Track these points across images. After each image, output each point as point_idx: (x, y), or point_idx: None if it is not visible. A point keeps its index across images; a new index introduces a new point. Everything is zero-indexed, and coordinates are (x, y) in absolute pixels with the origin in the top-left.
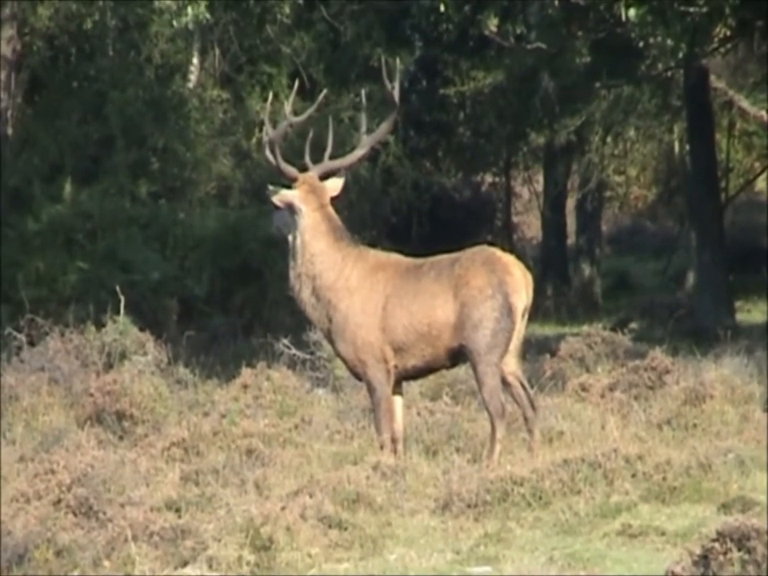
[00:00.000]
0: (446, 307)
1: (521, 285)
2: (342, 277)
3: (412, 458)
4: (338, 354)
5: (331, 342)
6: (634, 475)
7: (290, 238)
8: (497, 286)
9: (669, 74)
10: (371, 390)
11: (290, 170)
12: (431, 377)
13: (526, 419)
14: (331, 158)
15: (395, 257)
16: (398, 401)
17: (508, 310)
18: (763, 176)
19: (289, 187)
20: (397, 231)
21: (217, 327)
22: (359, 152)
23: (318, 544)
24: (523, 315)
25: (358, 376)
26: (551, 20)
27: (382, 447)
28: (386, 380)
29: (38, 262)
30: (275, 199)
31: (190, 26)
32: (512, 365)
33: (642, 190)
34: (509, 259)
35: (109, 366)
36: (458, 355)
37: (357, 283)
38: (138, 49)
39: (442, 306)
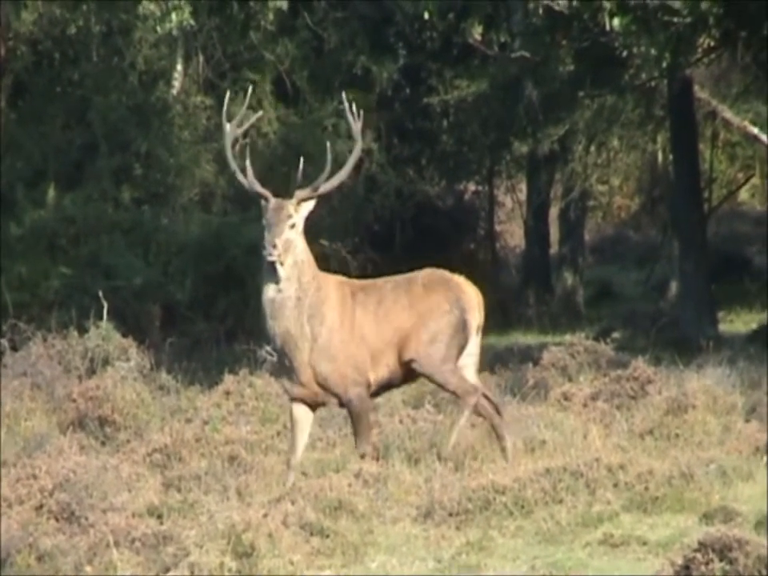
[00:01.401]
0: (405, 314)
1: (474, 303)
2: (324, 296)
3: (394, 466)
4: (318, 378)
5: (311, 365)
6: (616, 485)
7: (289, 259)
8: (454, 302)
9: (652, 83)
10: (353, 406)
11: (265, 192)
12: (414, 385)
13: (493, 426)
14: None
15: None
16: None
17: (463, 326)
18: (746, 186)
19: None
20: (379, 239)
21: (199, 333)
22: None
23: (299, 551)
24: (477, 332)
25: (339, 397)
26: (535, 28)
27: (362, 457)
28: (366, 394)
29: (20, 266)
30: (299, 216)
31: (174, 32)
32: (472, 379)
33: (625, 200)
34: (461, 279)
35: (91, 372)
36: (410, 372)
37: (334, 301)
38: (121, 54)
39: (402, 312)
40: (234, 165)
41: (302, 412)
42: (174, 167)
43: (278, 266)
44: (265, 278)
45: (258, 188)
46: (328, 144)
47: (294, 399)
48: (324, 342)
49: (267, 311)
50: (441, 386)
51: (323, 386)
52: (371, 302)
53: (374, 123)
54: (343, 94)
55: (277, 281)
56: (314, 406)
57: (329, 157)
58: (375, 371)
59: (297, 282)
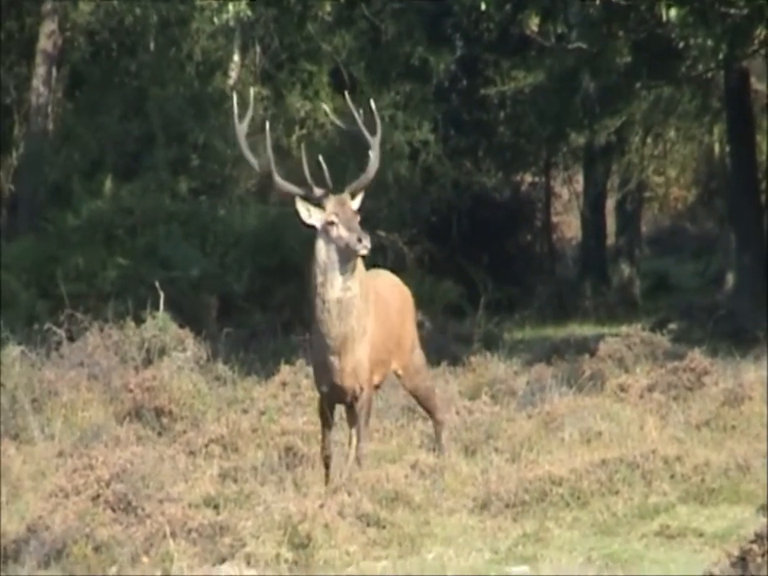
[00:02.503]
0: (395, 318)
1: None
2: (366, 290)
3: (451, 457)
4: (345, 368)
5: (357, 361)
6: (672, 476)
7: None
8: (411, 304)
9: (709, 75)
10: (366, 404)
11: (296, 189)
12: (471, 376)
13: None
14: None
15: None
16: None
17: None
18: None
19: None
20: (436, 230)
21: (256, 324)
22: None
23: (355, 542)
24: None
25: (356, 394)
26: (592, 20)
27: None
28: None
29: (77, 257)
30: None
31: (231, 23)
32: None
33: (681, 191)
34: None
35: (148, 362)
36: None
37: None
38: (178, 45)
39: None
40: (256, 164)
41: (327, 412)
42: (230, 158)
43: (358, 263)
44: (328, 276)
45: (288, 185)
46: (375, 137)
47: (328, 399)
48: (366, 339)
49: (333, 312)
50: (423, 398)
51: (353, 381)
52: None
53: (430, 114)
54: (353, 106)
55: (346, 277)
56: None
57: (375, 150)
58: (376, 375)
59: (359, 280)
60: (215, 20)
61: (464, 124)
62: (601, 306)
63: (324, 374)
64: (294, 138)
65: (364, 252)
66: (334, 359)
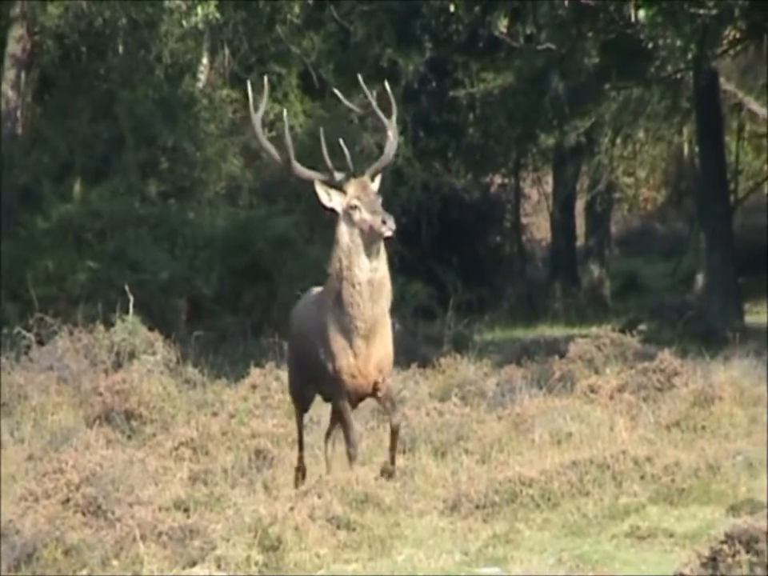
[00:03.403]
0: None
1: None
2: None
3: (421, 459)
4: (372, 355)
5: (375, 336)
6: (642, 477)
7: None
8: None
9: (678, 75)
10: (391, 393)
11: (315, 175)
12: (441, 377)
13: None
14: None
15: None
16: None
17: None
18: None
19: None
20: (406, 232)
21: (226, 327)
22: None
23: (326, 544)
24: None
25: (380, 384)
26: (561, 21)
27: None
28: None
29: (47, 260)
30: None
31: (200, 26)
32: None
33: (651, 192)
34: None
35: (118, 366)
36: None
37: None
38: (147, 48)
39: None
40: (273, 153)
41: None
42: (200, 161)
43: (381, 247)
44: (354, 259)
45: (307, 171)
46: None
47: (346, 395)
48: (389, 324)
49: (365, 294)
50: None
51: (377, 370)
52: None
53: (399, 116)
54: (367, 91)
55: (371, 259)
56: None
57: (393, 132)
58: None
59: (384, 260)
60: (184, 23)
61: (433, 126)
62: (571, 307)
63: (347, 362)
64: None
65: (389, 233)
66: (362, 344)
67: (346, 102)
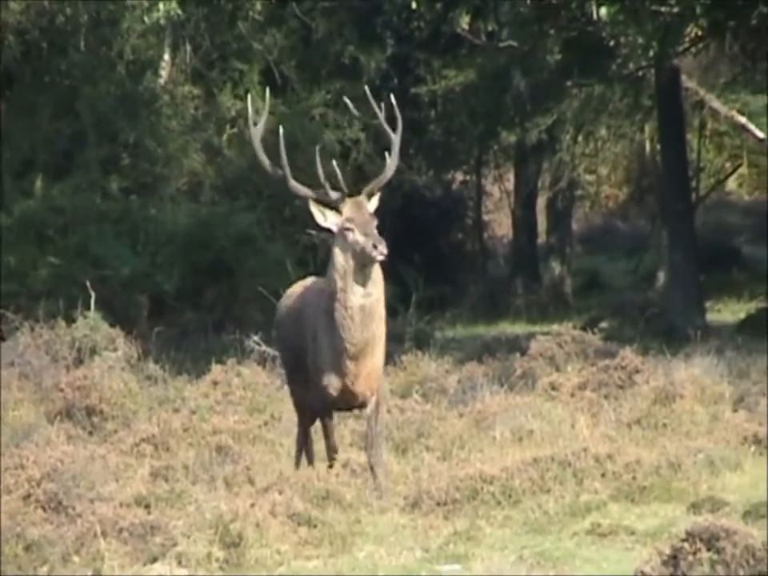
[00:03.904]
0: None
1: None
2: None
3: (382, 456)
4: (361, 373)
5: (365, 357)
6: (603, 474)
7: None
8: None
9: (640, 73)
10: (378, 410)
11: (310, 192)
12: (402, 374)
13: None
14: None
15: None
16: None
17: None
18: (734, 176)
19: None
20: None
21: (187, 323)
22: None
23: (287, 541)
24: None
25: (364, 402)
26: (523, 18)
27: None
28: None
29: (8, 256)
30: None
31: (162, 22)
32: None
33: (613, 189)
34: None
35: (79, 362)
36: None
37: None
38: (109, 44)
39: None
40: (270, 166)
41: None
42: (161, 157)
43: (375, 266)
44: (348, 282)
45: (303, 189)
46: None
47: (331, 406)
48: (382, 343)
49: (356, 319)
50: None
51: (366, 387)
52: None
53: (361, 113)
54: (374, 102)
55: (366, 283)
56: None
57: (395, 149)
58: None
59: (379, 285)
60: (146, 19)
61: (395, 122)
62: (532, 305)
63: (336, 379)
64: (225, 137)
65: (380, 258)
66: (350, 364)
67: (353, 111)
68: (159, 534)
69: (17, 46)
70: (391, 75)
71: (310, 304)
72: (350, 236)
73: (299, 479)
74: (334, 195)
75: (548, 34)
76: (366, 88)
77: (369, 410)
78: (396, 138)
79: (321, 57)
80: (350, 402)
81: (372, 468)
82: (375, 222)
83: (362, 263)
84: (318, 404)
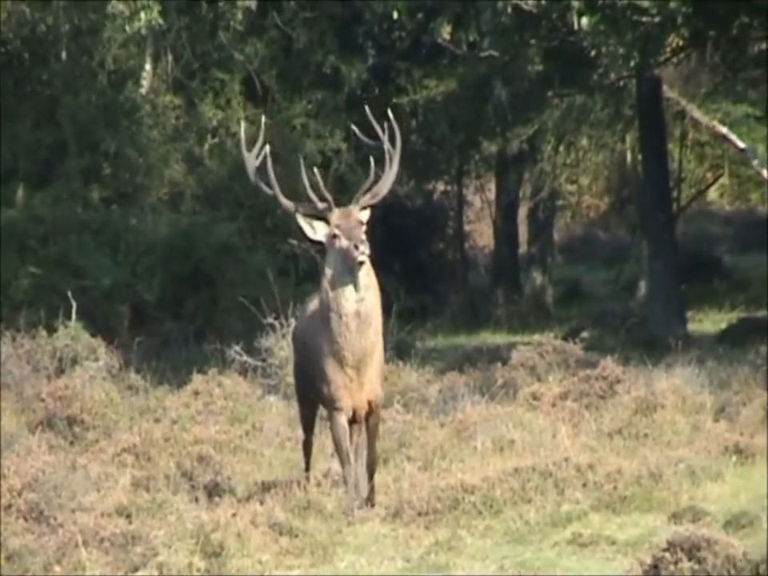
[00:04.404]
0: None
1: None
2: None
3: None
4: (363, 383)
5: (376, 376)
6: (584, 484)
7: (365, 266)
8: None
9: (621, 83)
10: (378, 420)
11: (295, 205)
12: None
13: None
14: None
15: None
16: None
17: None
18: (715, 186)
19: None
20: None
21: (168, 333)
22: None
23: (268, 551)
24: None
25: (368, 412)
26: (504, 28)
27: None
28: None
29: None
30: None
31: (143, 32)
32: None
33: (594, 199)
34: None
35: (60, 371)
36: None
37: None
38: (90, 54)
39: None
40: (267, 189)
41: (346, 429)
42: (142, 167)
43: (362, 271)
44: (339, 289)
45: (287, 202)
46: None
47: (341, 414)
48: (381, 351)
49: (352, 326)
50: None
51: (368, 396)
52: None
53: (342, 123)
54: (372, 119)
55: (357, 289)
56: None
57: (395, 163)
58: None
59: (374, 290)
60: (127, 28)
61: (376, 132)
62: (513, 315)
63: (339, 391)
64: (206, 146)
65: (362, 258)
66: (351, 373)
67: (357, 131)
68: (140, 543)
69: None
70: (372, 85)
71: (314, 321)
72: (337, 243)
73: (280, 489)
74: (321, 206)
75: (529, 43)
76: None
77: (372, 421)
78: (395, 153)
79: (302, 66)
80: (356, 412)
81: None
82: (363, 228)
83: (350, 267)
84: (334, 429)
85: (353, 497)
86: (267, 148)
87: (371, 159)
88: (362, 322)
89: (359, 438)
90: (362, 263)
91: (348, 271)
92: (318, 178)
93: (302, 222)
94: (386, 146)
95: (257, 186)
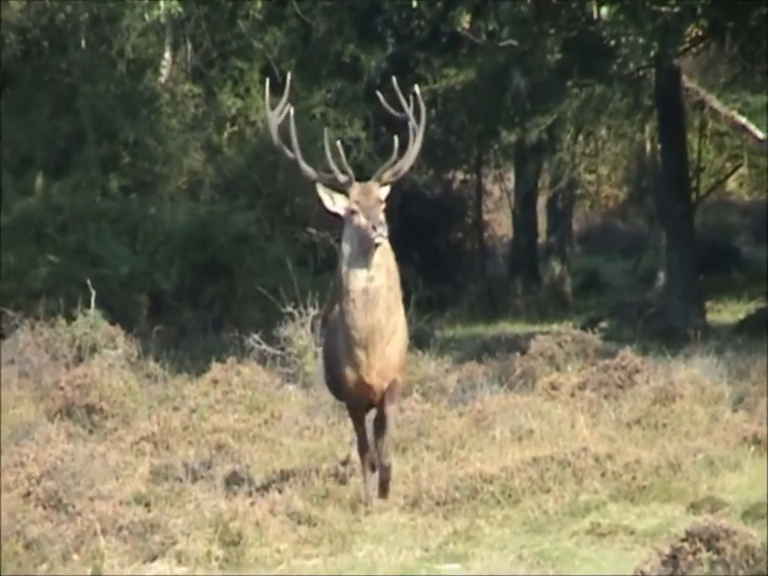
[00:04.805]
0: None
1: None
2: (393, 282)
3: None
4: (373, 365)
5: (385, 356)
6: (603, 474)
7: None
8: None
9: (640, 73)
10: (395, 407)
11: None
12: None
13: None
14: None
15: None
16: None
17: None
18: (734, 176)
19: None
20: None
21: (186, 322)
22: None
23: (286, 540)
24: None
25: (381, 397)
26: (523, 17)
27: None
28: None
29: (8, 255)
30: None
31: (162, 20)
32: None
33: (612, 189)
34: None
35: (79, 360)
36: None
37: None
38: (109, 43)
39: None
40: (288, 151)
41: (363, 412)
42: (161, 156)
43: (377, 252)
44: (351, 266)
45: (308, 169)
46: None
47: (352, 399)
48: (398, 338)
49: (359, 304)
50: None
51: (381, 381)
52: None
53: (361, 112)
54: (400, 94)
55: (368, 267)
56: (366, 407)
57: (418, 139)
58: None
59: (386, 270)
60: (146, 17)
61: (395, 122)
62: (532, 304)
63: (351, 371)
64: (225, 135)
65: (379, 240)
66: (360, 353)
67: (385, 104)
68: (159, 532)
69: (17, 44)
70: (391, 74)
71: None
72: (355, 219)
73: (298, 478)
74: (342, 178)
75: (548, 33)
76: (394, 80)
77: (385, 407)
78: (419, 130)
79: (321, 56)
80: (367, 395)
81: (378, 466)
82: (382, 207)
83: (365, 247)
84: (349, 404)
85: (370, 493)
86: (291, 109)
87: (396, 138)
88: (369, 300)
89: (375, 430)
90: (377, 245)
91: (363, 250)
92: (341, 151)
93: (322, 191)
94: (411, 120)
95: (279, 149)
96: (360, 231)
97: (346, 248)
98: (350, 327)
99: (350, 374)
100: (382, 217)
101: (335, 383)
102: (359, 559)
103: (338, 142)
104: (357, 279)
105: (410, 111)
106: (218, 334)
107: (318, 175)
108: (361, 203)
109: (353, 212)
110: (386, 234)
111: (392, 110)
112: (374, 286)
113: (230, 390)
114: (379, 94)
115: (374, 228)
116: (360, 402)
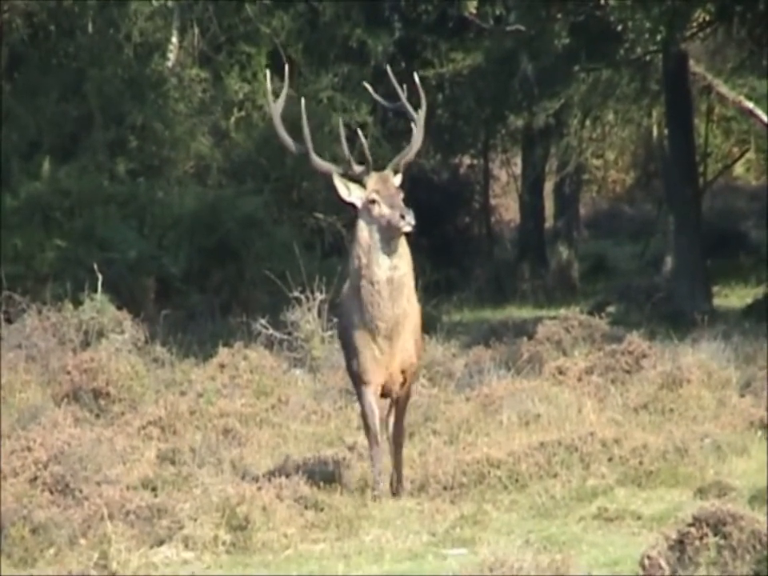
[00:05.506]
0: None
1: None
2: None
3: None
4: (396, 354)
5: (406, 346)
6: (610, 459)
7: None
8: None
9: (648, 57)
10: (409, 393)
11: (331, 167)
12: None
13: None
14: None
15: None
16: None
17: None
18: (741, 161)
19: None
20: None
21: (194, 306)
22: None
23: (294, 524)
24: None
25: (402, 384)
26: (530, 2)
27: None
28: None
29: (15, 239)
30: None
31: (170, 4)
32: None
33: (620, 174)
34: None
35: (86, 344)
36: None
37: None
38: (117, 26)
39: None
40: (292, 144)
41: (378, 403)
42: (168, 140)
43: (402, 240)
44: (373, 256)
45: (326, 164)
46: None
47: (370, 388)
48: (414, 322)
49: (384, 293)
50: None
51: (402, 368)
52: None
53: (368, 96)
54: (396, 82)
55: (392, 256)
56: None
57: (420, 125)
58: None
59: (406, 258)
60: (153, 1)
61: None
62: (539, 289)
63: (372, 361)
64: (232, 120)
65: (407, 229)
66: (384, 344)
67: (374, 95)
68: (166, 516)
69: (24, 28)
70: (398, 59)
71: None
72: (376, 209)
73: (306, 462)
74: (358, 169)
75: (555, 18)
76: (388, 69)
77: (404, 393)
78: (420, 116)
79: (328, 40)
80: (388, 384)
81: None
82: (401, 195)
83: (389, 236)
84: (363, 406)
85: (378, 478)
86: (302, 101)
87: (413, 125)
88: (395, 289)
89: (390, 416)
90: (395, 237)
91: (387, 239)
92: (364, 140)
93: (338, 182)
94: (408, 109)
95: (281, 139)
96: (384, 220)
97: (364, 238)
98: (374, 318)
99: (365, 366)
100: (403, 204)
101: (355, 371)
102: (366, 544)
103: (359, 132)
104: (380, 269)
105: (404, 99)
106: (225, 318)
107: (331, 166)
108: (381, 192)
109: (372, 201)
110: (413, 222)
111: (384, 102)
112: (398, 274)
113: (237, 375)
114: (389, 69)
115: (402, 216)
116: (381, 390)
